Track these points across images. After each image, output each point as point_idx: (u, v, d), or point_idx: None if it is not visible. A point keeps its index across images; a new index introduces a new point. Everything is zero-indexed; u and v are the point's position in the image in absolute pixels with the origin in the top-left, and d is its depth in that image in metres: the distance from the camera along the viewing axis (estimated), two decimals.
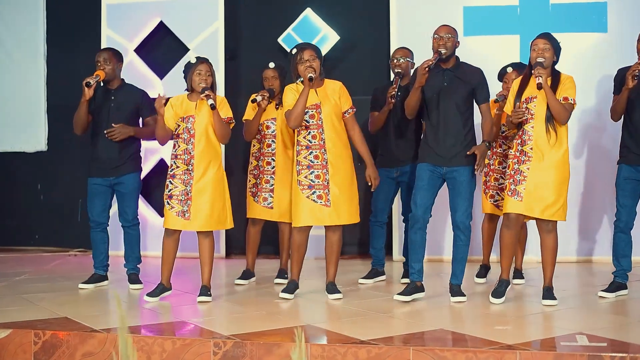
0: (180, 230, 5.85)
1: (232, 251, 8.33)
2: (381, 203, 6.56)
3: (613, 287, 5.85)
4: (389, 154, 6.48)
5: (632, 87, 5.58)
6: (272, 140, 6.46)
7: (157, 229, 7.58)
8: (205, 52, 8.09)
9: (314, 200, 5.77)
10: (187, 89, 5.86)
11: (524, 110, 5.47)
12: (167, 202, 5.81)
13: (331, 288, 5.89)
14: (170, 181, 5.83)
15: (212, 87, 5.77)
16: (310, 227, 5.88)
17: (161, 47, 8.40)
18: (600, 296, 5.81)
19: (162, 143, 5.92)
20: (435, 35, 5.68)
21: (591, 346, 4.34)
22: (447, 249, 7.42)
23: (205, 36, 8.19)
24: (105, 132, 6.29)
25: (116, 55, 6.46)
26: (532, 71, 5.43)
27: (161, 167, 8.32)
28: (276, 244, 7.97)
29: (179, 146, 5.82)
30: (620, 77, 5.84)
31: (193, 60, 5.81)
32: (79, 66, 8.57)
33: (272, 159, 6.45)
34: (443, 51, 5.61)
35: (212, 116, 5.70)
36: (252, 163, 6.57)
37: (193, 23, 8.22)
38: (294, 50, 5.83)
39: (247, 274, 6.63)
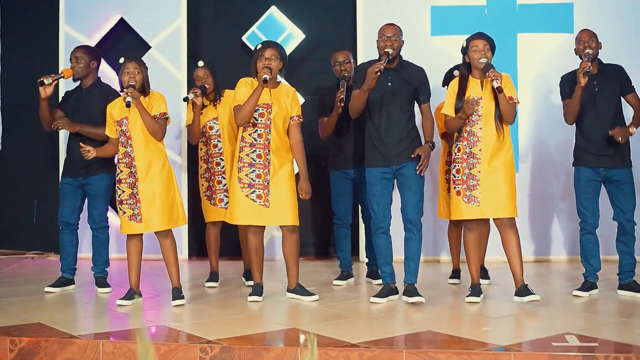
0: (140, 234, 5.72)
1: (193, 253, 8.18)
2: (343, 205, 6.52)
3: (586, 286, 5.89)
4: (345, 155, 6.43)
5: (584, 85, 5.60)
6: (218, 141, 6.36)
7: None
8: (167, 50, 7.99)
9: (252, 199, 5.68)
10: (121, 91, 5.72)
11: (476, 100, 5.45)
12: (120, 207, 5.70)
13: (302, 290, 5.81)
14: (118, 187, 5.71)
15: (145, 85, 5.68)
16: (263, 228, 5.81)
17: (122, 45, 8.20)
18: (575, 295, 5.84)
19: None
20: (382, 35, 5.65)
21: (584, 346, 4.34)
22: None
23: (168, 34, 8.03)
24: (52, 125, 6.10)
25: (90, 53, 6.30)
26: (487, 73, 5.40)
27: None
28: (235, 246, 7.89)
29: (119, 150, 5.70)
30: (566, 82, 5.91)
31: (121, 60, 5.73)
32: (36, 64, 8.36)
33: (221, 159, 6.35)
34: (390, 52, 5.56)
35: (139, 113, 5.56)
36: (202, 167, 6.45)
37: (155, 20, 8.06)
38: (259, 46, 5.76)
39: (215, 276, 6.51)
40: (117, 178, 5.72)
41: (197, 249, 8.08)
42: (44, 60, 8.26)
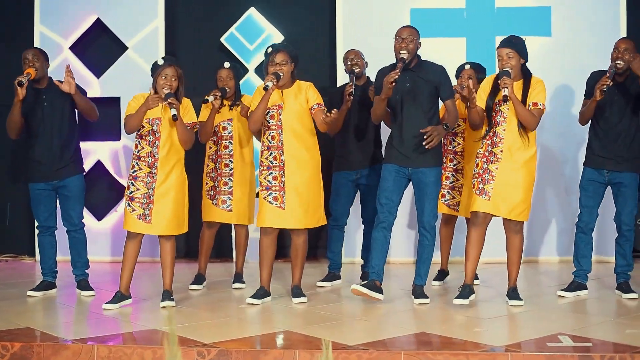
0: (142, 234, 5.68)
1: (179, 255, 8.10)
2: (341, 207, 6.51)
3: (572, 286, 5.97)
4: (348, 156, 6.44)
5: (600, 99, 5.68)
6: (230, 142, 6.33)
7: (92, 232, 7.28)
8: (144, 51, 7.92)
9: (269, 201, 5.68)
10: (152, 88, 5.66)
11: (473, 89, 5.47)
12: (129, 204, 5.64)
13: (296, 292, 5.82)
14: (132, 182, 5.66)
15: (177, 92, 5.60)
16: (277, 230, 5.78)
17: (98, 45, 8.12)
18: (559, 295, 5.92)
19: (129, 132, 5.71)
20: (397, 37, 5.65)
21: (580, 346, 4.40)
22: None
23: (145, 34, 7.96)
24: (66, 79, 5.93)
25: (42, 54, 6.19)
26: (499, 80, 5.45)
27: (98, 169, 8.05)
28: (221, 248, 7.87)
29: (142, 148, 5.65)
30: (593, 81, 5.91)
31: (160, 62, 5.64)
32: (10, 65, 8.19)
33: (230, 160, 6.31)
34: (405, 56, 5.57)
35: (176, 124, 5.53)
36: (208, 165, 6.42)
37: (132, 21, 7.98)
38: (269, 50, 5.74)
39: (200, 279, 6.47)
40: (133, 174, 5.65)
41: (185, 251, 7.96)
42: (18, 62, 8.11)
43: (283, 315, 5.46)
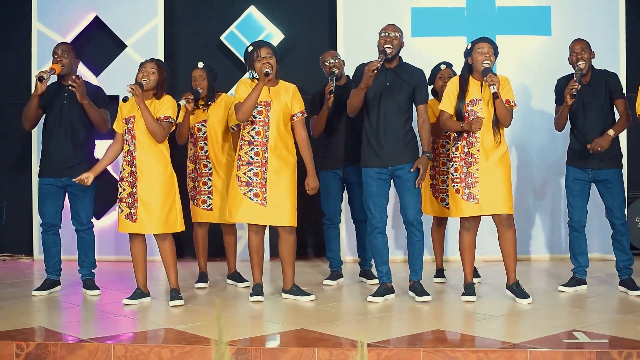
0: (142, 234, 5.68)
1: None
2: (333, 205, 6.52)
3: (572, 282, 6.05)
4: (334, 155, 6.43)
5: (571, 104, 5.77)
6: (205, 143, 6.32)
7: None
8: (143, 49, 7.88)
9: (250, 197, 5.68)
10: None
11: (480, 119, 5.52)
12: (119, 205, 5.68)
13: (299, 291, 5.81)
14: (119, 184, 5.70)
15: (158, 87, 5.64)
16: (265, 227, 5.81)
17: (96, 43, 8.06)
18: (560, 290, 5.98)
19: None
20: (383, 33, 5.68)
21: (596, 343, 4.43)
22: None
23: (144, 33, 7.91)
24: (69, 84, 5.92)
25: (74, 50, 6.19)
26: (485, 78, 5.46)
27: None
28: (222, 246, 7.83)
29: (123, 148, 5.67)
30: (560, 88, 6.03)
31: (252, 47, 5.76)
32: (8, 62, 8.18)
33: (207, 161, 6.31)
34: (389, 50, 5.60)
35: (141, 112, 5.53)
36: (189, 167, 6.41)
37: (131, 19, 7.93)
38: (250, 48, 5.77)
39: (203, 277, 6.46)
40: (120, 176, 5.69)
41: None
42: (15, 59, 8.08)
43: (294, 313, 5.45)
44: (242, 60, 7.71)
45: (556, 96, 6.10)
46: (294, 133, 5.80)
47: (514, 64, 7.57)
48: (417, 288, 5.74)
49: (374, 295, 5.71)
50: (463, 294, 5.68)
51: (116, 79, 7.88)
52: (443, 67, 6.36)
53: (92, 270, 6.24)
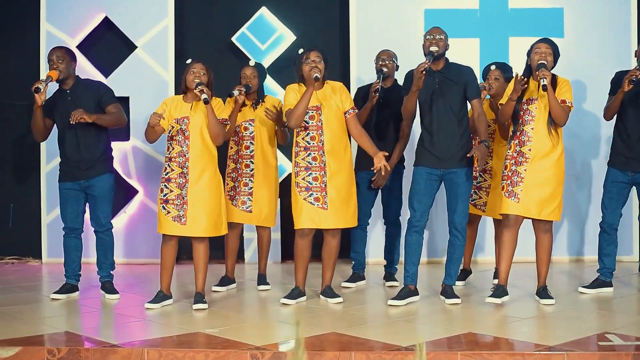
0: (178, 236, 5.64)
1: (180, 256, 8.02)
2: (364, 206, 6.46)
3: (595, 284, 6.06)
4: (369, 157, 6.39)
5: (627, 90, 5.75)
6: (251, 142, 6.28)
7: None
8: (154, 50, 7.84)
9: (311, 202, 5.67)
10: (182, 91, 5.76)
11: (520, 79, 5.49)
12: (163, 206, 5.62)
13: (331, 292, 5.81)
14: (165, 185, 5.63)
15: (208, 85, 5.64)
16: (313, 231, 5.77)
17: (106, 44, 8.00)
18: (580, 292, 6.01)
19: (151, 142, 5.78)
20: (428, 36, 5.67)
21: (632, 345, 4.44)
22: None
23: (154, 33, 7.85)
24: (70, 121, 5.84)
25: (69, 53, 6.11)
26: (537, 72, 5.48)
27: None
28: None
29: (173, 149, 5.64)
30: (617, 79, 6.04)
31: (189, 61, 5.72)
32: (16, 63, 8.10)
33: (251, 161, 6.27)
34: (435, 49, 5.59)
35: (207, 113, 5.54)
36: (229, 166, 6.36)
37: (141, 19, 7.87)
38: (301, 50, 5.78)
39: (225, 281, 6.41)
40: (165, 176, 5.63)
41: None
42: (25, 60, 8.01)
43: (323, 316, 5.41)
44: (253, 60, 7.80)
45: (611, 87, 6.09)
46: (349, 129, 5.79)
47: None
48: (448, 292, 5.74)
49: (395, 298, 5.68)
50: (489, 295, 5.60)
51: (126, 80, 7.83)
52: (493, 67, 6.34)
53: (111, 272, 6.20)
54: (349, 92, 6.16)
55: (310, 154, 5.69)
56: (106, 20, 7.93)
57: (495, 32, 7.61)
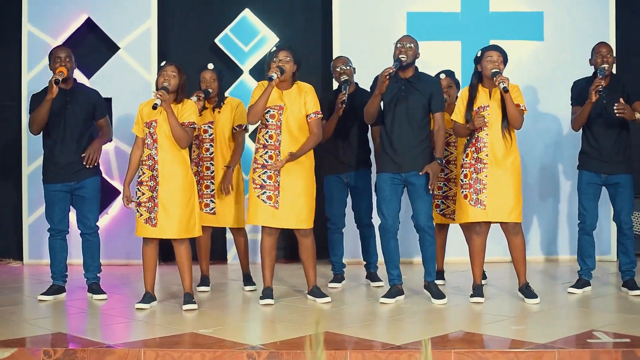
0: (157, 238, 5.67)
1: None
2: (337, 210, 6.55)
3: (580, 283, 6.17)
4: (339, 159, 6.47)
5: (594, 101, 5.86)
6: (210, 145, 6.32)
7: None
8: (136, 51, 7.85)
9: (263, 200, 5.71)
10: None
11: (483, 115, 5.64)
12: (137, 209, 5.66)
13: (319, 292, 5.86)
14: (138, 188, 5.69)
15: (180, 88, 5.66)
16: (279, 230, 5.83)
17: (88, 45, 7.99)
18: (570, 292, 6.09)
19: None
20: (398, 44, 5.79)
21: (620, 342, 4.54)
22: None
23: (137, 35, 7.86)
24: (85, 164, 5.96)
25: (74, 54, 6.15)
26: (494, 79, 5.58)
27: None
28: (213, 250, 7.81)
29: (144, 152, 5.66)
30: (579, 89, 6.16)
31: (162, 63, 5.77)
32: None
33: (211, 163, 6.31)
34: (404, 58, 5.70)
35: (167, 118, 5.55)
36: (192, 169, 6.38)
37: (123, 21, 7.87)
38: (274, 49, 5.83)
39: (206, 281, 6.46)
40: (138, 179, 5.66)
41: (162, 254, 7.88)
42: (6, 61, 7.98)
43: (313, 316, 5.45)
44: (237, 63, 7.85)
45: (573, 95, 6.20)
46: (309, 131, 5.79)
47: (507, 68, 7.48)
48: (433, 289, 5.83)
49: (385, 296, 5.78)
50: (472, 296, 5.78)
51: (109, 81, 7.83)
52: (442, 76, 6.44)
53: (98, 275, 6.20)
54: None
55: (267, 152, 5.72)
56: (89, 22, 7.92)
57: (477, 35, 7.71)
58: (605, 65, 5.95)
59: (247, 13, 7.94)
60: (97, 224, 6.23)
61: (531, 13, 7.78)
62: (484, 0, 7.78)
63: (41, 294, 6.03)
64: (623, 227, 6.09)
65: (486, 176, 5.68)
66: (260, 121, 5.75)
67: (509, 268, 7.20)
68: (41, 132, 6.11)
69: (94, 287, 6.14)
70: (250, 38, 7.90)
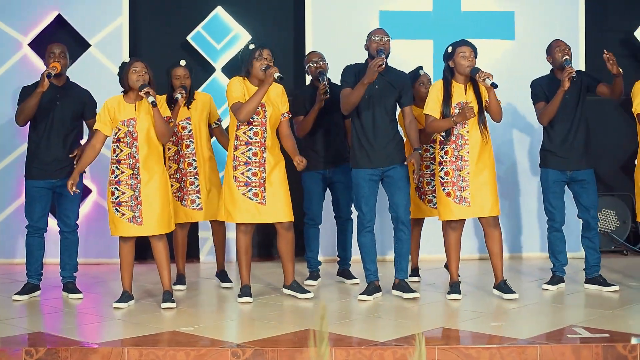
0: (134, 237, 5.65)
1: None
2: (316, 205, 6.56)
3: (554, 280, 6.24)
4: (319, 155, 6.48)
5: (567, 88, 5.91)
6: (190, 141, 6.33)
7: (52, 233, 6.96)
8: (108, 48, 7.78)
9: (249, 197, 5.71)
10: (122, 91, 5.72)
11: (471, 107, 5.67)
12: (116, 209, 5.61)
13: (299, 288, 5.87)
14: (116, 187, 5.62)
15: (150, 84, 5.61)
16: (254, 227, 5.85)
17: (59, 43, 7.86)
18: (544, 289, 6.16)
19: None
20: (375, 37, 5.82)
21: (599, 337, 4.61)
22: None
23: (108, 32, 7.79)
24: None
25: (68, 51, 6.13)
26: (477, 75, 5.64)
27: None
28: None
29: (121, 151, 5.62)
30: (538, 86, 6.25)
31: (126, 60, 5.72)
32: None
33: (193, 159, 6.32)
34: (384, 54, 5.73)
35: (154, 114, 5.54)
36: (170, 167, 6.35)
37: (94, 17, 7.78)
38: (252, 46, 5.80)
39: (181, 279, 6.44)
40: (115, 179, 5.60)
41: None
42: None
43: (293, 313, 5.50)
44: (209, 60, 7.82)
45: (534, 94, 6.26)
46: (280, 131, 5.85)
47: (479, 67, 7.74)
48: (404, 286, 5.85)
49: (363, 293, 5.80)
50: (449, 292, 5.82)
51: (79, 79, 7.66)
52: (422, 72, 6.49)
53: (74, 274, 6.15)
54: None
55: (251, 149, 5.71)
56: (59, 18, 7.83)
57: (449, 34, 7.71)
58: (567, 57, 6.04)
59: (219, 10, 7.90)
60: (77, 222, 6.18)
61: (502, 12, 7.85)
62: (456, 0, 7.84)
63: (15, 294, 5.96)
64: (591, 222, 6.17)
65: (468, 173, 5.73)
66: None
67: (479, 265, 7.32)
68: (27, 125, 6.07)
69: (70, 286, 6.09)
70: (223, 36, 7.87)
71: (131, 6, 7.85)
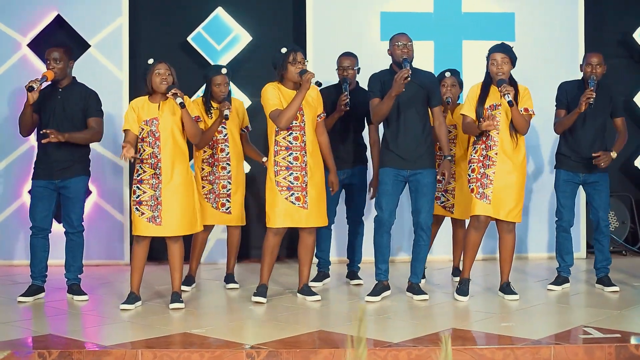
0: (150, 237, 5.62)
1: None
2: (330, 206, 6.53)
3: (559, 280, 6.28)
4: (338, 157, 6.46)
5: (583, 111, 5.96)
6: (225, 145, 6.32)
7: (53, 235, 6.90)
8: (107, 49, 7.74)
9: (292, 202, 5.72)
10: (147, 92, 5.71)
11: (497, 121, 5.67)
12: (137, 208, 5.59)
13: (308, 290, 5.88)
14: (137, 187, 5.61)
15: (174, 84, 5.62)
16: (286, 230, 5.83)
17: (58, 43, 7.74)
18: (549, 289, 6.19)
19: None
20: (399, 43, 5.81)
21: (611, 337, 4.64)
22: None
23: (108, 32, 7.76)
24: (42, 141, 5.83)
25: (67, 53, 6.09)
26: (499, 88, 5.64)
27: None
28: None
29: (144, 150, 5.62)
30: (564, 92, 6.27)
31: (150, 61, 5.67)
32: None
33: (227, 163, 6.31)
34: (409, 63, 5.73)
35: (183, 115, 5.56)
36: (204, 169, 6.36)
37: (94, 18, 7.74)
38: (284, 50, 5.77)
39: (190, 280, 6.42)
40: (137, 178, 5.60)
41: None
42: None
43: (305, 315, 5.49)
44: (209, 61, 7.79)
45: (558, 99, 6.30)
46: (317, 134, 5.86)
47: (480, 69, 7.71)
48: (416, 289, 5.87)
49: (370, 294, 5.80)
50: (457, 291, 5.82)
51: (79, 79, 7.60)
52: (447, 74, 6.48)
53: (79, 275, 6.12)
54: None
55: (292, 153, 5.72)
56: (58, 18, 7.78)
57: (449, 35, 7.80)
58: (594, 77, 6.04)
59: (219, 11, 7.88)
60: (83, 223, 6.14)
61: (503, 14, 7.87)
62: (457, 1, 7.86)
63: (20, 295, 5.91)
64: (601, 224, 6.20)
65: (494, 172, 5.75)
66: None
67: (483, 265, 7.33)
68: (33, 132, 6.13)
69: (75, 288, 6.05)
70: (223, 36, 7.85)
71: (131, 6, 7.81)
